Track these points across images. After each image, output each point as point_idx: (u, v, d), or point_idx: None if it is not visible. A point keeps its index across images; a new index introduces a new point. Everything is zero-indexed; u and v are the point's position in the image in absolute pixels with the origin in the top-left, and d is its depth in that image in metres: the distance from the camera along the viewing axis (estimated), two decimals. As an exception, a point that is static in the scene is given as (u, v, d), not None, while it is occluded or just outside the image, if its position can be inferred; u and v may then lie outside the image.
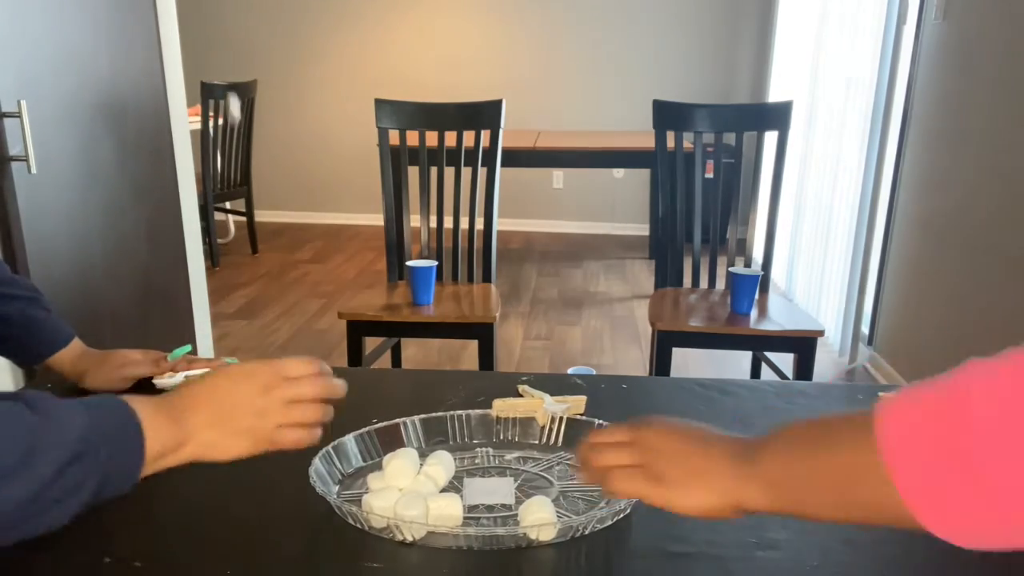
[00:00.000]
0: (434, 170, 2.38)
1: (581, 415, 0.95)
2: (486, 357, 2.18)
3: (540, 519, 0.72)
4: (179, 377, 1.06)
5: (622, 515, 0.75)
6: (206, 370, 1.09)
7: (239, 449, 0.71)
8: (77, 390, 1.05)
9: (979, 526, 0.50)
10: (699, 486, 0.62)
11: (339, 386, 0.76)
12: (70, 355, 1.08)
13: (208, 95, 4.22)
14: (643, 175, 5.32)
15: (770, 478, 0.60)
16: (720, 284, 2.41)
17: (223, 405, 0.71)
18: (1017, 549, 0.50)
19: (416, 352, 3.27)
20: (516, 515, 0.75)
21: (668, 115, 2.35)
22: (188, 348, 1.10)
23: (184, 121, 2.51)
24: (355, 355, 2.17)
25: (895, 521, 0.52)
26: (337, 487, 0.82)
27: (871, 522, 0.56)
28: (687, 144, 2.49)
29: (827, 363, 3.20)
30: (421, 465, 0.82)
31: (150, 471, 0.66)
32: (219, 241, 4.74)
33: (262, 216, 5.20)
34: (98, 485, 0.61)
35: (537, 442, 0.92)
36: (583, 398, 0.99)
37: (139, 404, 0.66)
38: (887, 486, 0.50)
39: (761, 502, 0.60)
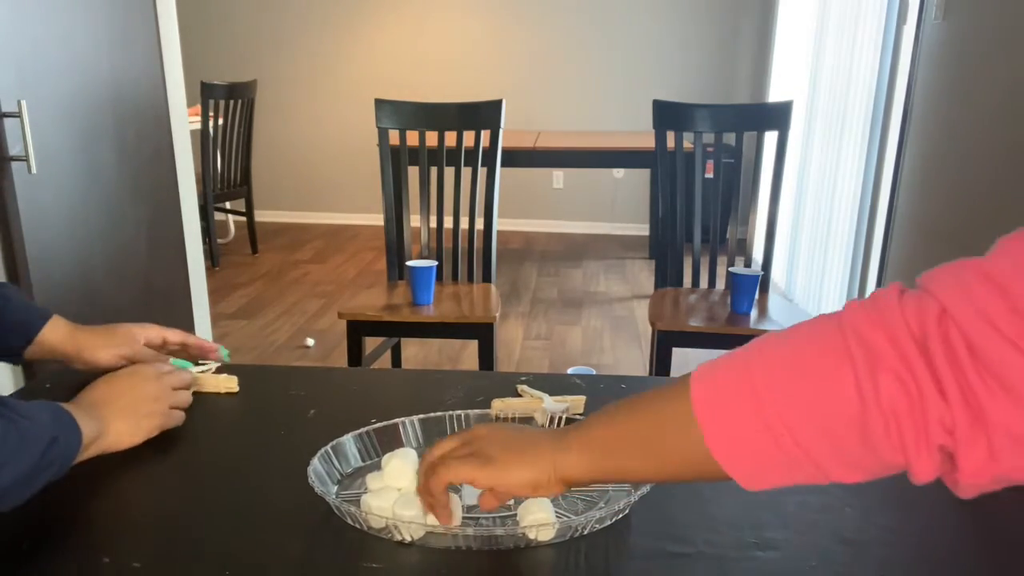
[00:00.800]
0: (434, 170, 2.39)
1: (580, 415, 0.95)
2: (486, 357, 2.18)
3: (539, 519, 0.72)
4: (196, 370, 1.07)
5: (621, 515, 0.75)
6: (212, 366, 1.09)
7: (144, 431, 0.89)
8: (73, 373, 1.04)
9: (762, 461, 0.55)
10: (522, 463, 0.67)
11: (193, 378, 1.02)
12: (56, 335, 1.03)
13: (208, 95, 4.22)
14: (643, 175, 5.32)
15: (586, 442, 0.65)
16: (720, 284, 2.41)
17: (126, 398, 0.89)
18: (792, 485, 0.56)
19: (416, 352, 3.27)
20: (515, 515, 0.75)
21: (668, 115, 2.35)
22: (189, 365, 1.09)
23: (184, 121, 2.51)
24: (355, 355, 2.17)
25: (703, 466, 0.56)
26: (336, 487, 0.82)
27: (684, 474, 0.61)
28: (687, 144, 2.49)
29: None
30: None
31: (79, 459, 0.81)
32: (219, 241, 4.74)
33: (262, 216, 5.20)
34: (58, 468, 0.76)
35: (536, 442, 0.92)
36: (582, 398, 0.99)
37: (72, 410, 0.81)
38: (694, 429, 0.56)
39: (580, 468, 0.65)
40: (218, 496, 0.81)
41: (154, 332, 1.08)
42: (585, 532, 0.73)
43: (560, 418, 0.93)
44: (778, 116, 2.30)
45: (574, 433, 0.67)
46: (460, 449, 0.70)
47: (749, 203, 2.42)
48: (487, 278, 2.41)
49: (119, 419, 0.87)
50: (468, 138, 2.35)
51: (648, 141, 2.76)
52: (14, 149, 1.80)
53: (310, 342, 3.36)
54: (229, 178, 4.53)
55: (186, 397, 0.97)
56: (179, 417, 0.94)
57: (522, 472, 0.66)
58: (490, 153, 2.35)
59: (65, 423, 0.79)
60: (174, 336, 1.09)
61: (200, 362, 1.10)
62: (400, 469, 0.80)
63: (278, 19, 5.45)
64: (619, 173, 5.49)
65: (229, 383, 1.04)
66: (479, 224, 2.40)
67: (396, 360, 2.65)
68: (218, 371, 1.08)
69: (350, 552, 0.71)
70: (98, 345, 1.04)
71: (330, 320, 3.65)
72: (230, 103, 4.39)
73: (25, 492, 0.73)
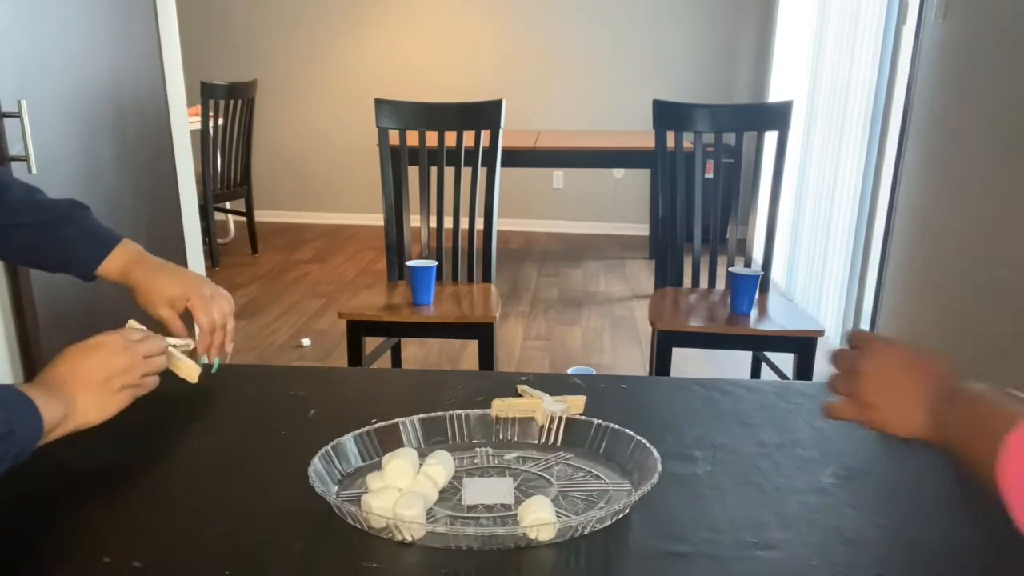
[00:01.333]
0: (434, 170, 2.38)
1: (580, 415, 0.95)
2: (486, 357, 2.18)
3: (539, 519, 0.72)
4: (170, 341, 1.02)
5: (621, 515, 0.75)
6: (188, 342, 1.06)
7: (114, 405, 0.85)
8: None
9: None
10: (904, 416, 0.71)
11: (165, 343, 0.96)
12: (116, 264, 1.07)
13: (208, 95, 4.22)
14: (643, 175, 5.32)
15: (950, 431, 0.68)
16: (720, 284, 2.41)
17: (93, 373, 0.84)
18: None
19: (416, 352, 3.27)
20: (515, 515, 0.75)
21: (668, 115, 2.35)
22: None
23: (184, 121, 2.51)
24: (355, 355, 2.17)
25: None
26: (336, 487, 0.82)
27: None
28: (687, 144, 2.49)
29: (827, 363, 3.19)
30: (420, 465, 0.82)
31: (46, 441, 0.78)
32: (219, 241, 4.74)
33: (262, 216, 5.20)
34: (13, 458, 0.73)
35: (536, 442, 0.92)
36: (582, 398, 0.99)
37: (32, 392, 0.78)
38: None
39: (951, 432, 0.68)
40: (218, 496, 0.81)
41: (216, 314, 1.09)
42: (585, 532, 0.73)
43: (560, 418, 0.93)
44: (778, 116, 2.30)
45: (964, 400, 0.68)
46: (848, 383, 0.76)
47: (749, 203, 2.42)
48: (487, 278, 2.41)
49: (85, 395, 0.83)
50: (468, 138, 2.35)
51: (648, 141, 2.76)
52: (14, 149, 1.80)
53: (306, 342, 3.36)
54: (229, 178, 4.53)
55: (159, 363, 0.93)
56: (152, 383, 0.91)
57: (906, 424, 0.71)
58: (490, 153, 2.35)
59: (20, 411, 0.75)
60: (220, 322, 1.09)
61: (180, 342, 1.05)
62: (400, 469, 0.80)
63: (278, 19, 5.45)
64: (619, 173, 5.49)
65: (190, 372, 1.01)
66: (479, 224, 2.40)
67: (396, 360, 2.65)
68: (193, 358, 1.04)
69: (350, 552, 0.71)
70: (139, 292, 1.07)
71: (330, 320, 3.65)
72: (230, 103, 4.39)
73: None
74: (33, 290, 1.87)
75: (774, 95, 4.77)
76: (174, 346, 1.02)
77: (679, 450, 0.90)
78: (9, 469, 0.73)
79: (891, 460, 0.89)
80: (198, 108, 4.12)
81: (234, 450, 0.91)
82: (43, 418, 0.77)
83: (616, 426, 0.88)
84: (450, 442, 0.92)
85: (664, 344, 2.11)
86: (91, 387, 0.84)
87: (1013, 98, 2.19)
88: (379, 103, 2.35)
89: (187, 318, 1.09)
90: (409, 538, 0.72)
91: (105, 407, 0.85)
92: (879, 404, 0.73)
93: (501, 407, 0.95)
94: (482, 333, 2.16)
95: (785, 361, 2.21)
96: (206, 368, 1.07)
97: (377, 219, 5.55)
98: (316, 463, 0.80)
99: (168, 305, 1.06)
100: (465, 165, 2.34)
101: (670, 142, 2.34)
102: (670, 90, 5.09)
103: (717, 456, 0.88)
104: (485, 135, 2.35)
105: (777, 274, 4.15)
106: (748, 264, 2.46)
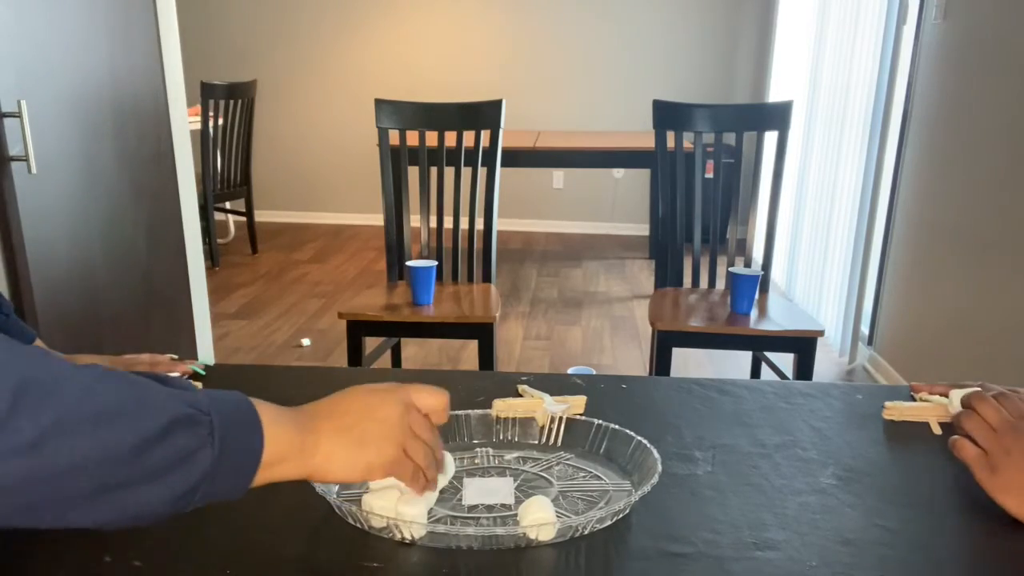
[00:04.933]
0: (434, 170, 2.39)
1: (581, 415, 0.95)
2: (486, 357, 2.18)
3: (539, 519, 0.72)
4: None
5: (621, 515, 0.75)
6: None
7: (361, 463, 0.65)
8: None
9: None
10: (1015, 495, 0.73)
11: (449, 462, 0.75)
12: None
13: (208, 95, 4.22)
14: (643, 175, 5.32)
15: None
16: (720, 284, 2.41)
17: (352, 416, 0.65)
18: None
19: (416, 352, 3.27)
20: (515, 515, 0.75)
21: (668, 115, 2.35)
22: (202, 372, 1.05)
23: (184, 121, 2.51)
24: (355, 355, 2.17)
25: None
26: (336, 487, 0.82)
27: None
28: (687, 144, 2.49)
29: (827, 363, 3.20)
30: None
31: (264, 478, 0.59)
32: (219, 241, 4.74)
33: (262, 216, 5.20)
34: (210, 467, 0.53)
35: (537, 442, 0.92)
36: (583, 398, 0.99)
37: (260, 404, 0.60)
38: None
39: None
40: (218, 496, 0.81)
41: (143, 368, 1.02)
42: (585, 532, 0.73)
43: (560, 418, 0.93)
44: (778, 116, 2.31)
45: None
46: (984, 433, 0.76)
47: (749, 203, 2.42)
48: (487, 278, 2.42)
49: (333, 437, 0.64)
50: (468, 138, 2.35)
51: (648, 141, 2.76)
52: (14, 149, 1.80)
53: (306, 342, 3.36)
54: (229, 178, 4.53)
55: (429, 456, 0.70)
56: (415, 471, 0.69)
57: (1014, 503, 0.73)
58: (490, 153, 2.35)
59: (224, 409, 0.55)
60: (163, 366, 1.02)
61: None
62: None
63: (278, 19, 5.45)
64: (619, 173, 5.49)
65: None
66: (479, 224, 2.40)
67: (396, 360, 2.65)
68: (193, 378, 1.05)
69: (350, 552, 0.71)
70: None
71: (330, 320, 3.65)
72: (230, 103, 4.39)
73: (128, 490, 0.50)
74: (34, 292, 1.87)
75: (774, 95, 4.77)
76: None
77: (679, 450, 0.90)
78: (200, 501, 0.55)
79: (891, 461, 0.89)
80: (198, 108, 4.12)
81: (234, 450, 0.91)
82: (265, 438, 0.58)
83: (616, 426, 0.88)
84: (451, 442, 0.92)
85: (664, 344, 2.11)
86: (346, 428, 0.65)
87: (1013, 98, 2.19)
88: (379, 103, 2.35)
89: None
90: (409, 538, 0.72)
91: (352, 462, 0.65)
92: (1003, 470, 0.74)
93: (502, 407, 0.95)
94: (482, 333, 2.16)
95: (785, 361, 2.21)
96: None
97: (377, 219, 5.55)
98: (316, 463, 0.80)
99: None
100: (465, 165, 2.34)
101: (670, 142, 2.34)
102: (670, 90, 5.09)
103: (717, 456, 0.88)
104: (485, 135, 2.35)
105: (777, 274, 4.15)
106: (748, 264, 2.46)
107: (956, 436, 0.79)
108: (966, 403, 0.80)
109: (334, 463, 0.63)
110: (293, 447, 0.60)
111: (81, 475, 0.48)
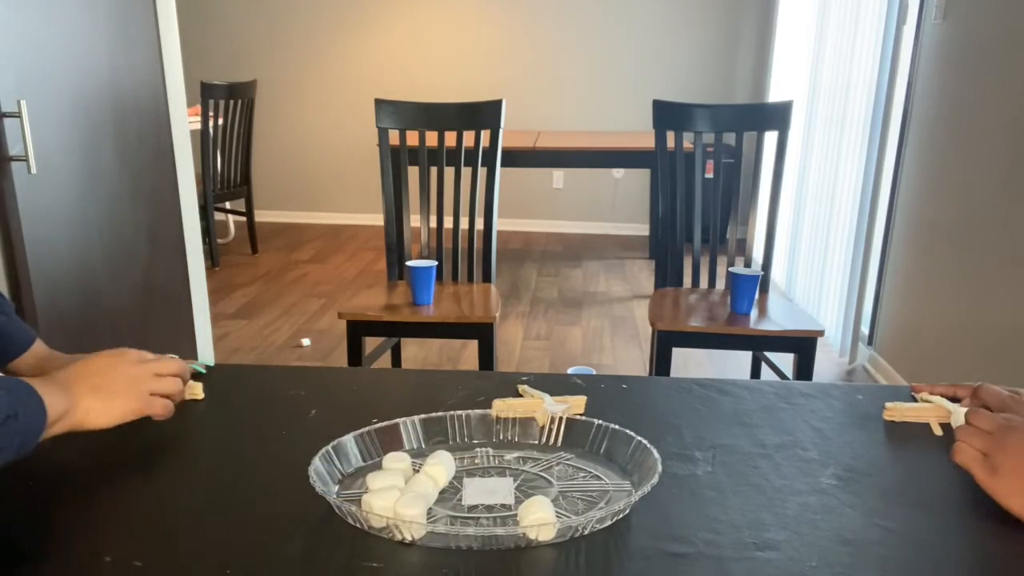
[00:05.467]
0: (434, 170, 2.39)
1: (581, 415, 0.95)
2: (486, 357, 2.18)
3: (539, 519, 0.72)
4: None
5: (621, 515, 0.75)
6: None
7: (118, 411, 0.86)
8: None
9: None
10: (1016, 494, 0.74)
11: (187, 368, 0.97)
12: (31, 358, 1.03)
13: (208, 95, 4.22)
14: (643, 175, 5.33)
15: None
16: (720, 284, 2.41)
17: (102, 377, 0.86)
18: None
19: (416, 352, 3.27)
20: (515, 515, 0.75)
21: (668, 115, 2.35)
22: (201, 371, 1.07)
23: (184, 121, 2.51)
24: (355, 355, 2.17)
25: None
26: (337, 487, 0.82)
27: None
28: (687, 144, 2.49)
29: (827, 363, 3.20)
30: (416, 465, 0.83)
31: (46, 436, 0.78)
32: (219, 241, 4.75)
33: (262, 216, 5.20)
34: (19, 447, 0.73)
35: (537, 442, 0.92)
36: (583, 398, 0.99)
37: (33, 381, 0.78)
38: None
39: None
40: (219, 496, 0.81)
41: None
42: (585, 532, 0.73)
43: (560, 418, 0.93)
44: (778, 116, 2.31)
45: None
46: (980, 440, 0.77)
47: (749, 203, 2.42)
48: (487, 278, 2.42)
49: (90, 396, 0.84)
50: (468, 138, 2.35)
51: (648, 141, 2.76)
52: (14, 149, 1.80)
53: (306, 342, 3.36)
54: (229, 178, 4.53)
55: (172, 385, 0.92)
56: (163, 406, 0.90)
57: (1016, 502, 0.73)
58: (490, 153, 2.35)
59: (23, 398, 0.75)
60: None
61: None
62: (390, 472, 0.80)
63: (278, 19, 5.45)
64: (619, 173, 5.49)
65: (194, 390, 1.01)
66: (479, 224, 2.40)
67: (396, 360, 2.65)
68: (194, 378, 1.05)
69: (350, 552, 0.71)
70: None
71: (330, 320, 3.65)
72: (230, 103, 4.39)
73: None
74: (34, 292, 1.87)
75: (774, 95, 4.77)
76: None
77: (679, 450, 0.90)
78: (14, 460, 0.73)
79: (891, 461, 0.89)
80: (198, 108, 4.12)
81: (234, 450, 0.91)
82: (47, 408, 0.77)
83: (616, 426, 0.88)
84: (450, 442, 0.92)
85: (664, 344, 2.11)
86: (95, 389, 0.85)
87: (1013, 98, 2.19)
88: (379, 103, 2.35)
89: None
90: (409, 538, 0.72)
91: (108, 410, 0.85)
92: (1003, 471, 0.75)
93: (502, 407, 0.95)
94: (482, 333, 2.16)
95: (785, 361, 2.21)
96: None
97: (377, 219, 5.56)
98: (316, 463, 0.80)
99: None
100: (465, 165, 2.34)
101: (670, 142, 2.34)
102: (670, 90, 5.09)
103: (717, 457, 0.88)
104: (485, 135, 2.35)
105: (777, 274, 4.15)
106: (748, 264, 2.46)
107: (955, 443, 0.80)
108: (965, 419, 0.82)
109: (92, 414, 0.84)
110: (61, 408, 0.80)
111: None
